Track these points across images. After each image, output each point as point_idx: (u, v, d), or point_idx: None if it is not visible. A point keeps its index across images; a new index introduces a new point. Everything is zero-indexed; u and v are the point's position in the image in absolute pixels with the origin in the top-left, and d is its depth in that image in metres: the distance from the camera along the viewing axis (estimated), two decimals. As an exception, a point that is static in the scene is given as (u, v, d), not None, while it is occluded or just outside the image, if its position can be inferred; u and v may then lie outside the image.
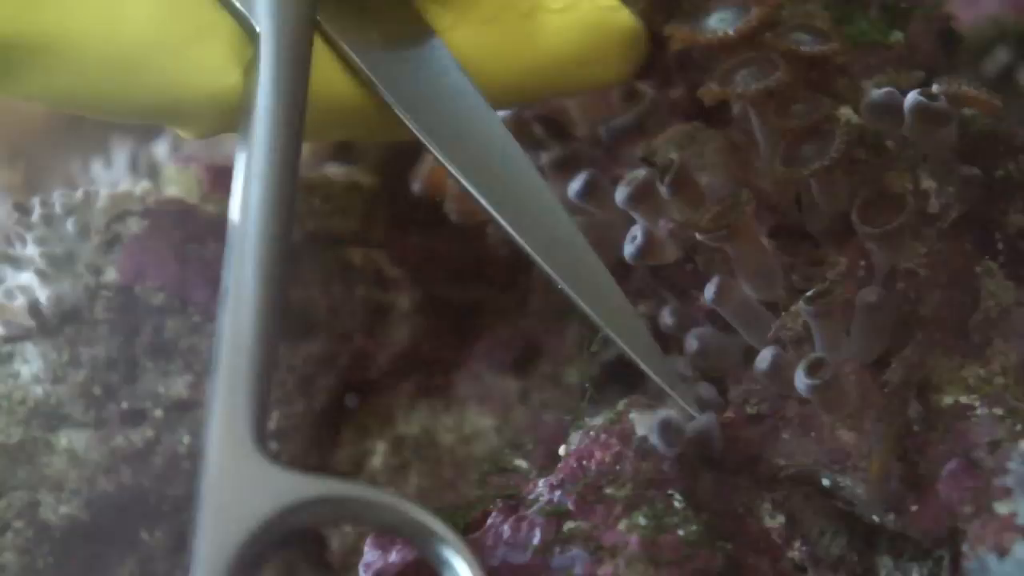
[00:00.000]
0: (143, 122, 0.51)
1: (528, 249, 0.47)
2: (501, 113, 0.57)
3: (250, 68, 0.47)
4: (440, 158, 0.48)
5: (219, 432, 0.41)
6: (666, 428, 0.45)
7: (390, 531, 0.43)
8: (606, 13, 0.52)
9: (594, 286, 0.47)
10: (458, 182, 0.48)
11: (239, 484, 0.40)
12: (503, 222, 0.48)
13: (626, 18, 0.53)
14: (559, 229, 0.48)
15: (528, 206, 0.48)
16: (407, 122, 0.49)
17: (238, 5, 0.47)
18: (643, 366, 0.46)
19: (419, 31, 0.50)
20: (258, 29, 0.47)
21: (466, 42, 0.51)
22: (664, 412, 0.45)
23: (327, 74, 0.49)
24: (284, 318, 0.54)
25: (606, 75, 0.53)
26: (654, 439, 0.45)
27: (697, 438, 0.45)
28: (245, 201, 0.44)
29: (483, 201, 0.48)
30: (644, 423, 0.45)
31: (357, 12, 0.49)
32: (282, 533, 0.41)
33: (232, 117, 0.47)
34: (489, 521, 0.46)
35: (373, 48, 0.49)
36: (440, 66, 0.50)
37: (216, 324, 0.43)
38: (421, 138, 0.48)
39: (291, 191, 0.45)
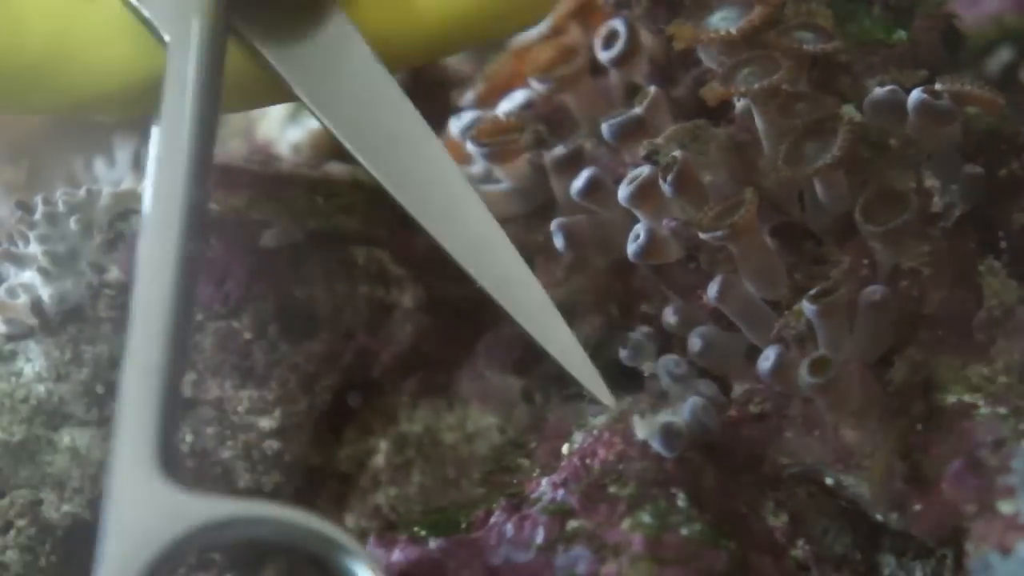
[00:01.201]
0: (56, 114, 0.53)
1: (431, 232, 0.47)
2: (504, 107, 0.57)
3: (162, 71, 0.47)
4: (339, 138, 0.48)
5: (122, 454, 0.40)
6: (668, 433, 0.45)
7: (298, 548, 0.42)
8: None
9: (490, 257, 0.47)
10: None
11: (141, 508, 0.40)
12: (392, 191, 0.47)
13: None
14: (462, 210, 0.47)
15: (421, 175, 0.48)
16: (303, 99, 0.49)
17: (145, 13, 0.48)
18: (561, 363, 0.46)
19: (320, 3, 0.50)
20: (166, 38, 0.47)
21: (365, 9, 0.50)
22: (664, 417, 0.45)
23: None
24: (287, 317, 0.54)
25: (532, 15, 0.53)
26: (655, 444, 0.45)
27: (693, 430, 0.45)
28: (157, 196, 0.44)
29: (368, 166, 0.48)
30: (643, 428, 0.45)
31: None
32: (186, 555, 0.40)
33: (143, 104, 0.48)
34: (492, 520, 0.46)
35: (267, 19, 0.49)
36: (336, 35, 0.49)
37: (125, 336, 0.42)
38: (313, 112, 0.48)
39: (202, 193, 0.45)
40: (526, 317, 0.46)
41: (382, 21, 0.50)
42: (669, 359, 0.48)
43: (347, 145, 0.48)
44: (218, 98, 0.46)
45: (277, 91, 0.50)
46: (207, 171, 0.45)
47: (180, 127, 0.45)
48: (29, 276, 0.54)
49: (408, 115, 0.49)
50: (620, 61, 0.55)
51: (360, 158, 0.48)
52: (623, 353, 0.48)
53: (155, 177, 0.44)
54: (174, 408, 0.41)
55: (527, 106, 0.56)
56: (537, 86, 0.56)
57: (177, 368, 0.42)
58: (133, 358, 0.41)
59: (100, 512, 0.40)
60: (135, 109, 0.50)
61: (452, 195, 0.48)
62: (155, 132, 0.45)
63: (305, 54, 0.49)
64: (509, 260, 0.47)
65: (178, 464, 0.41)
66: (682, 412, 0.45)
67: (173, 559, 0.40)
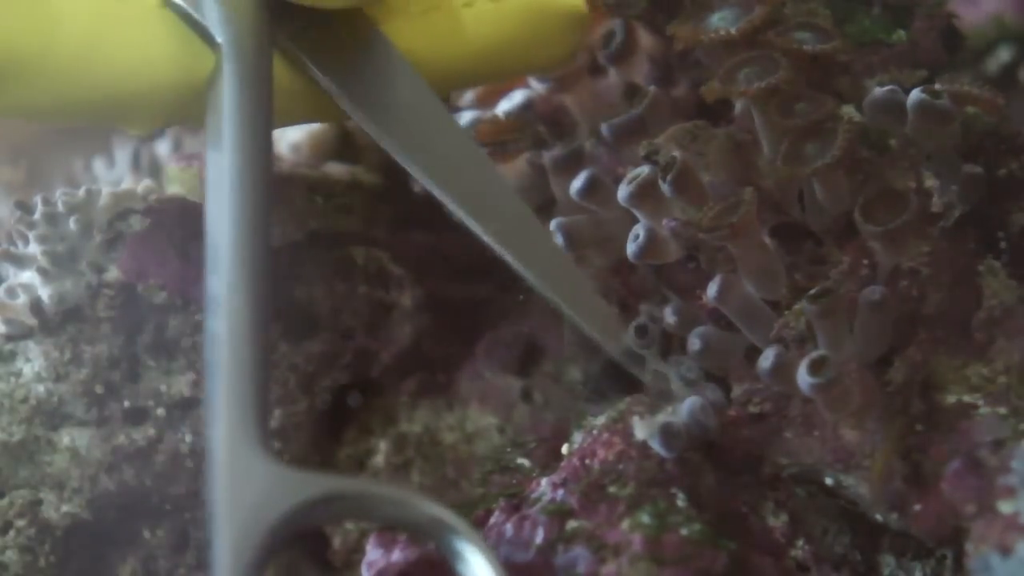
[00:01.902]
0: (88, 124, 0.53)
1: (477, 225, 0.49)
2: (503, 107, 0.57)
3: (214, 77, 0.48)
4: (390, 150, 0.50)
5: (224, 437, 0.41)
6: (667, 433, 0.45)
7: (402, 526, 0.43)
8: None
9: (556, 270, 0.49)
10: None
11: (249, 487, 0.41)
12: (454, 206, 0.49)
13: None
14: (510, 209, 0.49)
15: (474, 185, 0.49)
16: (352, 115, 0.50)
17: (195, 16, 0.48)
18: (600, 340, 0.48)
19: (360, 24, 0.51)
20: (219, 40, 0.48)
21: (405, 32, 0.51)
22: (663, 417, 0.45)
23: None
24: (286, 317, 0.55)
25: (550, 56, 0.54)
26: (654, 444, 0.45)
27: (692, 430, 0.45)
28: (222, 208, 0.45)
29: (432, 187, 0.49)
30: (642, 428, 0.45)
31: (301, 10, 0.50)
32: (295, 532, 0.41)
33: (181, 112, 0.49)
34: (492, 520, 0.46)
35: (315, 40, 0.50)
36: (382, 56, 0.51)
37: (207, 328, 0.43)
38: (363, 126, 0.50)
39: (266, 193, 0.45)
40: (568, 299, 0.49)
41: (422, 49, 0.51)
42: (682, 363, 0.48)
43: (399, 156, 0.50)
44: (272, 103, 0.47)
45: (324, 108, 0.50)
46: (269, 164, 0.46)
47: (244, 120, 0.46)
48: (28, 276, 0.54)
49: (452, 127, 0.51)
50: (617, 59, 0.55)
51: (413, 168, 0.50)
52: (630, 337, 0.48)
53: (224, 175, 0.45)
54: (266, 390, 0.43)
55: (526, 106, 0.56)
56: (537, 86, 0.56)
57: (266, 348, 0.43)
58: (223, 342, 0.43)
59: (207, 493, 0.41)
60: (163, 118, 0.50)
61: (498, 196, 0.50)
62: (224, 115, 0.46)
63: (352, 71, 0.50)
64: (551, 248, 0.50)
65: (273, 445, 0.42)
66: (680, 412, 0.45)
67: (285, 534, 0.41)
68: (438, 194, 0.49)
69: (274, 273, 0.54)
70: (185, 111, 0.49)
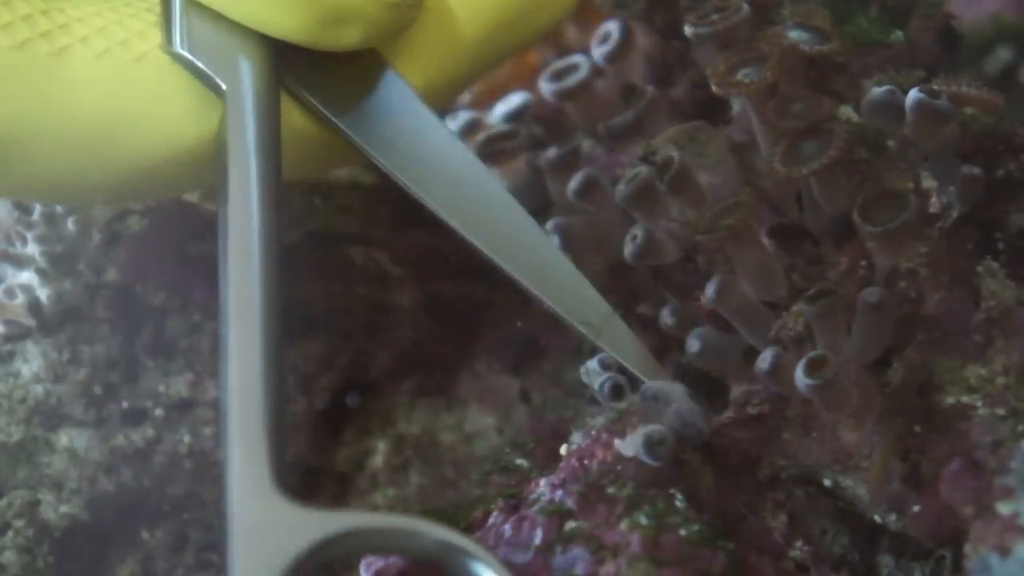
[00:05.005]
0: (114, 200, 0.51)
1: (498, 261, 0.48)
2: (500, 110, 0.57)
3: (220, 125, 0.46)
4: (410, 190, 0.49)
5: (239, 479, 0.41)
6: (649, 442, 0.44)
7: (420, 555, 0.43)
8: None
9: (564, 288, 0.48)
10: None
11: (265, 528, 0.41)
12: (470, 238, 0.48)
13: None
14: (527, 238, 0.49)
15: (489, 214, 0.49)
16: (367, 156, 0.49)
17: (201, 65, 0.46)
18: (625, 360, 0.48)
19: (366, 57, 0.50)
20: (223, 86, 0.46)
21: (405, 49, 0.50)
22: (645, 428, 0.45)
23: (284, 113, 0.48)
24: (285, 316, 0.55)
25: (552, 10, 0.53)
26: (642, 456, 0.45)
27: (681, 433, 0.45)
28: (235, 259, 0.44)
29: (444, 217, 0.48)
30: (627, 447, 0.45)
31: (304, 51, 0.48)
32: (312, 570, 0.41)
33: (201, 172, 0.47)
34: (490, 520, 0.46)
35: (322, 80, 0.49)
36: (388, 89, 0.50)
37: (220, 370, 0.43)
38: (380, 167, 0.49)
39: (277, 243, 0.44)
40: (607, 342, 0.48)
41: (427, 63, 0.50)
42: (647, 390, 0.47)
43: (415, 191, 0.49)
44: (280, 147, 0.46)
45: (338, 152, 0.49)
46: (279, 203, 0.45)
47: (250, 167, 0.45)
48: (27, 276, 0.54)
49: (465, 157, 0.50)
50: (614, 57, 0.55)
51: (435, 207, 0.49)
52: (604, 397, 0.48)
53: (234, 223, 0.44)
54: (282, 426, 0.42)
55: (524, 108, 0.56)
56: (546, 86, 0.55)
57: (279, 387, 0.43)
58: (234, 385, 0.42)
59: (222, 533, 0.41)
60: (189, 181, 0.48)
61: (513, 224, 0.49)
62: (230, 162, 0.45)
63: (361, 109, 0.49)
64: (572, 277, 0.49)
65: (290, 481, 0.42)
66: (668, 418, 0.45)
67: (301, 572, 0.40)
68: (459, 230, 0.48)
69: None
70: (208, 172, 0.47)
